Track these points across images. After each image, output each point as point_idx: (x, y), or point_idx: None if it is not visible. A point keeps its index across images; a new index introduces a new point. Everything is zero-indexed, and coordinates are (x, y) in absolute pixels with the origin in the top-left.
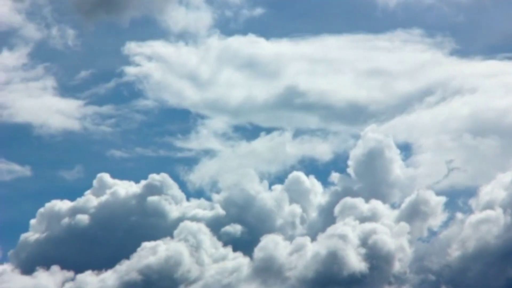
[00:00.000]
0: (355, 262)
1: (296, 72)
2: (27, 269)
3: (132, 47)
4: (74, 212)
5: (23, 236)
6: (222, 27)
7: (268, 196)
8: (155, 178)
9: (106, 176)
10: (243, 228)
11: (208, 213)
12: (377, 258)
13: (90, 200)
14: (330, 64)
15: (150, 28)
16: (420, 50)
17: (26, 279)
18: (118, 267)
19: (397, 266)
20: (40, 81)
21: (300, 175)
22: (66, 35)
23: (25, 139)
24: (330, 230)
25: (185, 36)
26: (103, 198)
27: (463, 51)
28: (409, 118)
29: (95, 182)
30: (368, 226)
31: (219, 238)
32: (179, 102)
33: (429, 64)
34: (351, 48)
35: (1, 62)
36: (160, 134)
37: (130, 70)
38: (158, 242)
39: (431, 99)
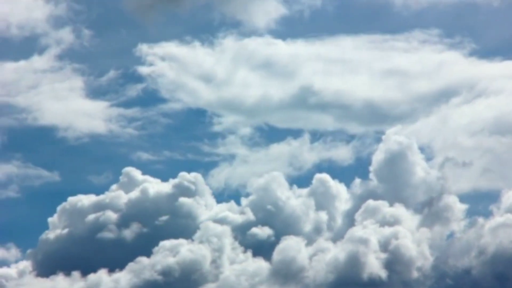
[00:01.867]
0: (375, 266)
1: (312, 72)
2: (46, 269)
3: (145, 49)
4: (99, 207)
5: (43, 234)
6: (239, 28)
7: (294, 200)
8: (186, 177)
9: (133, 171)
10: (271, 231)
11: (237, 217)
12: (397, 263)
13: (118, 196)
14: (346, 64)
15: (166, 30)
16: (438, 51)
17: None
18: (136, 265)
19: (417, 271)
20: (67, 82)
21: (325, 177)
22: (93, 38)
23: (52, 142)
24: (350, 233)
25: (201, 37)
26: (132, 194)
27: (482, 52)
28: (429, 119)
29: (122, 177)
30: (389, 230)
31: (244, 241)
32: (199, 102)
33: (448, 64)
34: (368, 48)
35: (30, 66)
36: (186, 137)
37: (144, 70)
38: (181, 241)
39: (452, 100)
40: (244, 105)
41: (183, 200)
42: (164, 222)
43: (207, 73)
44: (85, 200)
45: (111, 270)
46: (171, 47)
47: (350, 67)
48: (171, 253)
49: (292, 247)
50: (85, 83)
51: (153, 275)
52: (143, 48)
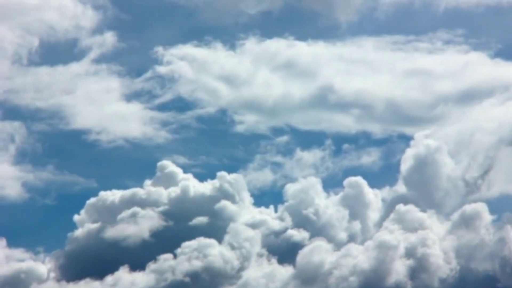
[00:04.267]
0: (400, 273)
1: (333, 73)
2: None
3: (164, 51)
4: (129, 203)
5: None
6: (261, 29)
7: (328, 206)
8: (226, 178)
9: (168, 164)
10: (307, 234)
11: (274, 222)
12: (422, 270)
13: (156, 192)
14: (368, 65)
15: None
16: (463, 51)
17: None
18: (159, 264)
19: (441, 281)
20: (103, 85)
21: (357, 182)
22: (129, 41)
23: (87, 146)
24: (377, 238)
25: (223, 38)
26: (172, 191)
27: (508, 53)
28: (454, 121)
29: (157, 170)
30: (416, 236)
31: (276, 246)
32: (222, 102)
33: (473, 65)
34: (391, 49)
35: (67, 70)
36: (220, 142)
37: (161, 69)
38: (209, 241)
39: (478, 102)
40: (265, 105)
41: (223, 201)
42: (199, 222)
43: (232, 74)
44: (117, 195)
45: (133, 269)
46: (190, 49)
47: (372, 68)
48: (197, 253)
49: (317, 251)
50: (121, 86)
51: (176, 274)
52: (169, 51)
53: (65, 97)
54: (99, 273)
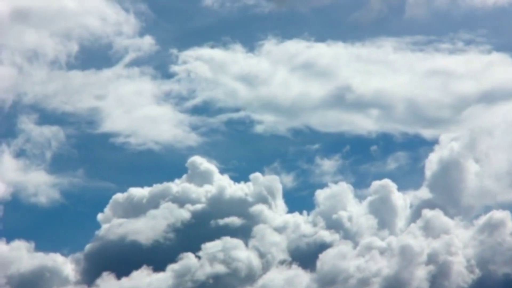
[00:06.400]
0: (421, 279)
1: (352, 73)
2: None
3: (189, 53)
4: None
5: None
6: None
7: (358, 210)
8: (260, 178)
9: (199, 160)
10: (337, 236)
11: (306, 226)
12: (443, 277)
13: (189, 189)
14: (387, 65)
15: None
16: (485, 51)
17: None
18: (183, 263)
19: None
20: (135, 86)
21: (384, 186)
22: (162, 45)
23: (117, 150)
24: (399, 243)
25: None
26: (206, 189)
27: None
28: (475, 123)
29: (188, 167)
30: (439, 242)
31: (303, 249)
32: (238, 102)
33: (495, 66)
34: (411, 50)
35: (103, 74)
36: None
37: (179, 69)
38: (234, 242)
39: (501, 103)
40: (283, 106)
41: (257, 203)
42: (230, 222)
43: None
44: (145, 191)
45: (154, 270)
46: (212, 52)
47: (391, 68)
48: (222, 255)
49: (339, 255)
50: (152, 88)
51: (198, 274)
52: (186, 53)
53: (101, 101)
54: (121, 271)
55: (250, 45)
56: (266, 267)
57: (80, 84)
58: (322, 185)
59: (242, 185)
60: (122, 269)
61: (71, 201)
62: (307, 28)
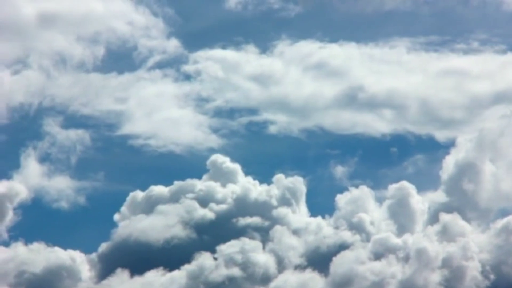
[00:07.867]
0: (435, 283)
1: (364, 73)
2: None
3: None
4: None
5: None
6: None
7: (379, 214)
8: (282, 179)
9: (221, 158)
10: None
11: (328, 229)
12: (457, 281)
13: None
14: (400, 66)
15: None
16: (501, 51)
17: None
18: (198, 262)
19: None
20: (156, 88)
21: (401, 188)
22: (186, 47)
23: (139, 152)
24: (414, 246)
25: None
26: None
27: None
28: (495, 124)
29: (209, 166)
30: (454, 246)
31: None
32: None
33: (510, 66)
34: (425, 50)
35: (122, 79)
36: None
37: (197, 70)
38: (252, 244)
39: None
40: (296, 106)
41: (281, 206)
42: (249, 222)
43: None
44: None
45: (168, 270)
46: (226, 53)
47: (405, 68)
48: (238, 255)
49: (352, 259)
50: (173, 90)
51: (212, 275)
52: (200, 54)
53: (123, 104)
54: (135, 270)
55: (263, 46)
56: (280, 270)
57: (105, 87)
58: (341, 189)
59: (266, 186)
60: (136, 268)
61: (91, 203)
62: (320, 29)
